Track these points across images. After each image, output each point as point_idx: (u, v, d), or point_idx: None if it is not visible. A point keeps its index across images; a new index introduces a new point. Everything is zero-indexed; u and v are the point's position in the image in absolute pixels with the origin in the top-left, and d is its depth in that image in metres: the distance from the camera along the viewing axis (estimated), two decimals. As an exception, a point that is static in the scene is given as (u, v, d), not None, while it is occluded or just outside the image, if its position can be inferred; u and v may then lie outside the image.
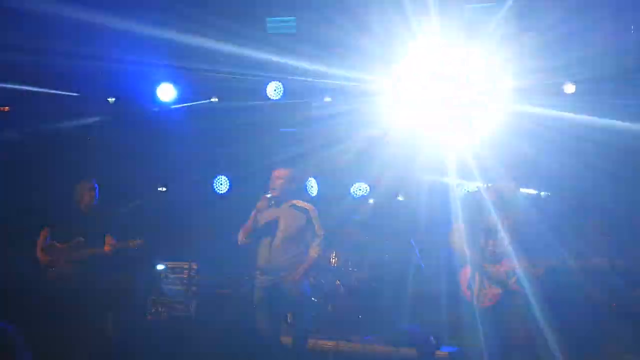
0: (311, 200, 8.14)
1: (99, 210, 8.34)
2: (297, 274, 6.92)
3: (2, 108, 10.00)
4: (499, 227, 6.64)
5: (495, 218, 6.62)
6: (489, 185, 6.89)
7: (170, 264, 9.93)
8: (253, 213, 7.14)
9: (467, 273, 6.64)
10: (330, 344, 8.64)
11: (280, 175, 7.18)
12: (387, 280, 9.50)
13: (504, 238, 6.62)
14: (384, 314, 9.36)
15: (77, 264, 8.00)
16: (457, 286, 6.96)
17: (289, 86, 9.81)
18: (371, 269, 9.85)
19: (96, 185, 8.38)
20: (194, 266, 9.71)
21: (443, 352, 8.23)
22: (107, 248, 7.93)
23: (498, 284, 6.46)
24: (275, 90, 9.56)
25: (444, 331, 8.73)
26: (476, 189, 6.91)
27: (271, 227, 7.10)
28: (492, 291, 6.48)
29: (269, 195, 7.07)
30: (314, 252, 7.06)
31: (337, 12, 8.29)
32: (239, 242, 7.25)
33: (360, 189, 11.06)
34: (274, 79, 9.63)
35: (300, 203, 7.26)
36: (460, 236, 6.74)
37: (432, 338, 8.45)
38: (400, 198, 11.05)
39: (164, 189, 11.69)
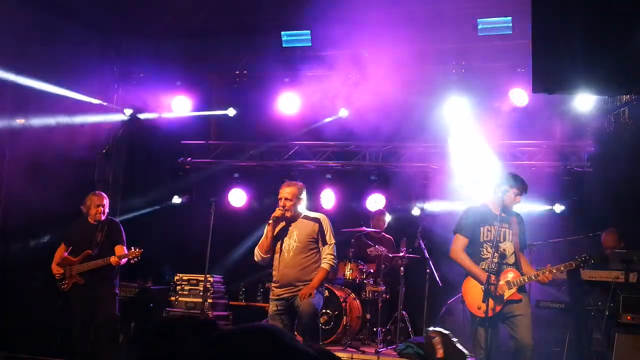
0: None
1: (108, 223, 8.40)
2: (311, 288, 6.88)
3: (19, 120, 10.12)
4: (502, 238, 6.61)
5: (496, 230, 6.59)
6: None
7: (186, 276, 9.97)
8: (266, 229, 7.10)
9: (468, 284, 6.62)
10: (345, 356, 8.63)
11: (287, 195, 7.05)
12: (403, 293, 9.45)
13: (507, 249, 6.59)
14: (398, 326, 9.33)
15: (87, 276, 8.07)
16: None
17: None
18: (386, 282, 9.82)
19: (106, 201, 8.44)
20: (210, 278, 9.74)
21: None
22: (113, 260, 8.00)
23: (498, 296, 6.43)
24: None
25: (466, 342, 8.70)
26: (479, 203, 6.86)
27: (285, 240, 7.03)
28: (493, 302, 6.45)
29: (279, 213, 7.02)
30: (326, 264, 6.92)
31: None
32: (257, 260, 7.15)
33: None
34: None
35: (311, 214, 7.19)
36: (461, 248, 6.72)
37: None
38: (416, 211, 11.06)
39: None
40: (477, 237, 6.64)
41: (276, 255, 7.03)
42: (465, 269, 6.68)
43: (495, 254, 6.53)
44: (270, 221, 6.99)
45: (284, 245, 6.98)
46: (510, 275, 6.53)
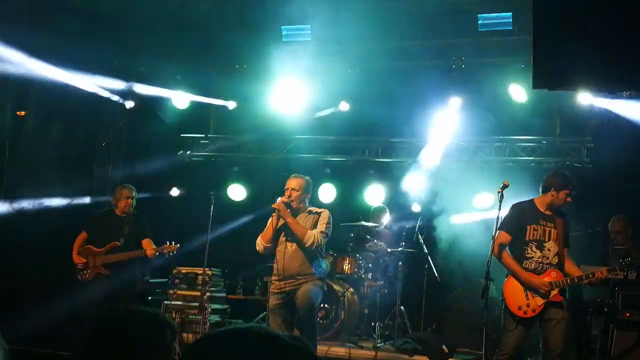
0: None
1: (134, 215, 8.49)
2: (285, 213, 6.82)
3: (19, 112, 10.12)
4: (547, 237, 6.55)
5: (542, 229, 6.54)
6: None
7: (184, 269, 9.97)
8: (271, 218, 7.09)
9: (509, 283, 6.54)
10: (343, 351, 8.64)
11: (294, 186, 7.07)
12: (401, 288, 9.45)
13: (551, 249, 6.53)
14: (396, 321, 9.33)
15: (113, 267, 8.16)
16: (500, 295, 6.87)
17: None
18: (385, 277, 9.82)
19: (135, 194, 8.52)
20: (209, 272, 9.73)
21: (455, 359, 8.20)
22: (150, 252, 8.06)
23: (540, 295, 6.38)
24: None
25: (457, 339, 8.71)
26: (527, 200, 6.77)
27: (287, 234, 7.02)
28: (535, 302, 6.40)
29: (284, 200, 7.01)
30: (310, 235, 6.86)
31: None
32: (258, 249, 7.13)
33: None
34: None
35: (315, 209, 7.21)
36: (503, 245, 6.63)
37: (444, 346, 8.42)
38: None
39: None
40: (523, 236, 6.55)
41: (278, 248, 7.03)
42: (505, 266, 6.60)
43: (540, 253, 6.50)
44: (275, 206, 6.96)
45: (287, 238, 6.97)
46: (552, 275, 6.49)
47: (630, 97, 9.10)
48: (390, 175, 11.36)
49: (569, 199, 6.63)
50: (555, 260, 6.56)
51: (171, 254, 8.15)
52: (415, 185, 11.00)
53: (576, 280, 6.48)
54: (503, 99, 10.17)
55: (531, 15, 4.29)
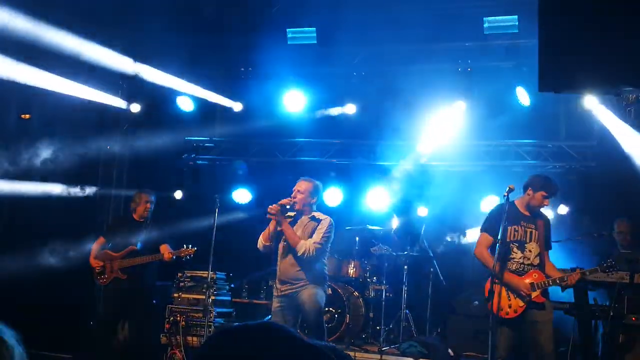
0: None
1: (152, 221, 8.60)
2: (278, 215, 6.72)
3: (24, 115, 10.15)
4: (528, 239, 6.57)
5: (523, 230, 6.56)
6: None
7: (189, 273, 9.96)
8: (273, 219, 6.90)
9: (489, 284, 6.56)
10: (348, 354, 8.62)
11: (300, 188, 7.02)
12: (406, 291, 9.43)
13: (532, 250, 6.55)
14: (402, 325, 9.31)
15: (130, 272, 8.25)
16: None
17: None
18: (390, 281, 9.80)
19: (154, 199, 8.56)
20: (213, 275, 9.72)
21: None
22: (167, 256, 8.14)
23: (522, 297, 6.39)
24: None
25: (463, 342, 8.68)
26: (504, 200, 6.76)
27: (286, 237, 6.89)
28: (517, 303, 6.41)
29: (284, 202, 6.90)
30: (301, 244, 6.73)
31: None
32: (259, 247, 7.03)
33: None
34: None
35: (319, 215, 7.07)
36: (485, 247, 6.66)
37: (450, 350, 8.39)
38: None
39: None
40: (503, 237, 6.52)
41: (280, 251, 6.99)
42: (488, 268, 6.59)
43: (521, 255, 6.50)
44: (278, 207, 6.85)
45: (286, 241, 6.91)
46: (534, 276, 6.49)
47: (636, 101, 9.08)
48: (395, 178, 11.33)
49: (545, 201, 6.67)
50: (537, 261, 6.60)
51: (188, 257, 8.24)
52: (420, 188, 11.01)
53: (557, 281, 6.50)
54: (509, 103, 10.15)
55: (537, 18, 4.28)
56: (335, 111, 11.20)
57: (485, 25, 9.52)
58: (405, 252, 9.60)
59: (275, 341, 1.58)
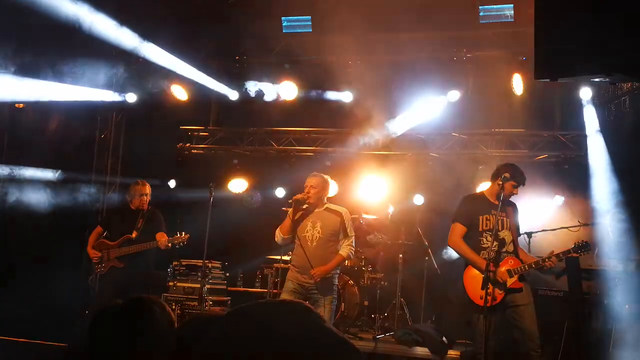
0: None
1: (149, 210, 8.59)
2: (326, 269, 6.98)
3: (17, 105, 10.12)
4: (500, 226, 6.62)
5: (496, 218, 6.60)
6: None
7: (185, 262, 9.97)
8: (290, 211, 7.24)
9: (468, 273, 6.62)
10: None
11: (313, 183, 7.22)
12: (401, 280, 9.45)
13: (506, 238, 6.61)
14: (396, 313, 9.34)
15: (127, 260, 8.26)
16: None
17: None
18: (385, 269, 9.82)
19: (149, 190, 8.62)
20: (209, 264, 9.73)
21: (455, 351, 8.20)
22: (162, 242, 8.19)
23: (500, 284, 6.45)
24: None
25: (457, 330, 8.71)
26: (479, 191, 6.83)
27: (308, 228, 7.16)
28: (496, 290, 6.46)
29: (301, 196, 7.14)
30: (344, 251, 7.14)
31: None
32: (277, 241, 7.32)
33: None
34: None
35: (334, 206, 7.36)
36: (459, 237, 6.71)
37: (444, 338, 8.42)
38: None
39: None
40: (476, 226, 6.65)
41: (298, 242, 7.19)
42: (464, 257, 6.70)
43: (495, 243, 6.54)
44: (290, 201, 7.16)
45: (307, 233, 7.15)
46: (510, 262, 6.56)
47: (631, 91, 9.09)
48: (391, 167, 11.34)
49: (515, 190, 6.72)
50: (511, 248, 6.68)
51: (182, 244, 8.28)
52: (416, 177, 11.03)
53: (533, 265, 6.58)
54: (504, 92, 10.16)
55: (533, 6, 4.28)
56: (330, 100, 11.18)
57: (481, 14, 9.52)
58: (400, 241, 9.62)
59: (303, 322, 1.56)
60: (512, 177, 6.65)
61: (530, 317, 6.47)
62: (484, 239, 6.60)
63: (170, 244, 8.19)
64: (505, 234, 6.65)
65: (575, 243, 6.67)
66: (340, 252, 7.13)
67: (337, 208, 7.32)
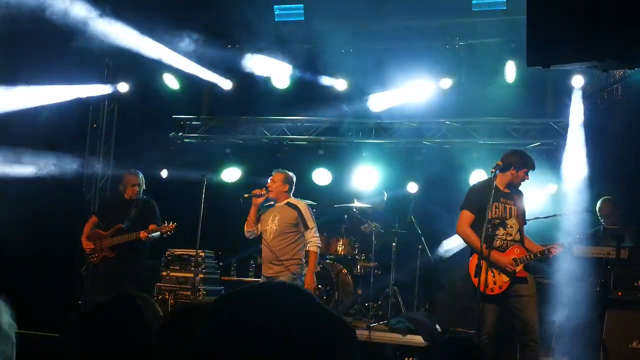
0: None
1: (143, 200, 8.62)
2: (310, 278, 7.44)
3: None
4: (508, 215, 6.62)
5: (503, 206, 6.61)
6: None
7: (177, 251, 9.96)
8: (252, 207, 7.65)
9: (474, 261, 6.60)
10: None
11: (274, 178, 7.69)
12: (395, 268, 9.46)
13: (513, 226, 6.61)
14: (390, 301, 9.35)
15: (118, 250, 8.30)
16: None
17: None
18: (378, 258, 9.82)
19: (141, 180, 8.62)
20: (202, 254, 9.72)
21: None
22: (142, 234, 8.16)
23: (505, 272, 6.46)
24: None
25: (450, 318, 8.73)
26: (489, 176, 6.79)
27: (268, 222, 7.58)
28: (501, 279, 6.47)
29: (259, 191, 7.60)
30: (312, 247, 7.51)
31: None
32: (246, 235, 7.78)
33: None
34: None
35: (293, 200, 7.72)
36: (467, 224, 6.69)
37: (437, 326, 8.45)
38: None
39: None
40: (484, 214, 6.52)
41: (263, 237, 7.62)
42: (471, 245, 6.68)
43: (503, 231, 6.54)
44: (246, 195, 7.65)
45: (267, 227, 7.57)
46: (516, 251, 6.56)
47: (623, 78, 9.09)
48: (383, 155, 11.35)
49: (527, 177, 6.77)
50: (518, 236, 6.69)
51: (169, 233, 8.26)
52: (409, 165, 11.04)
53: (539, 255, 6.64)
54: (496, 80, 10.16)
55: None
56: (323, 89, 11.16)
57: (474, 2, 9.50)
58: (393, 230, 9.63)
59: (293, 301, 1.56)
60: (524, 164, 6.69)
61: (533, 309, 6.50)
62: (492, 227, 6.58)
63: (150, 235, 8.17)
64: (512, 222, 6.65)
65: (577, 236, 6.84)
66: (310, 249, 7.52)
67: (296, 202, 7.72)
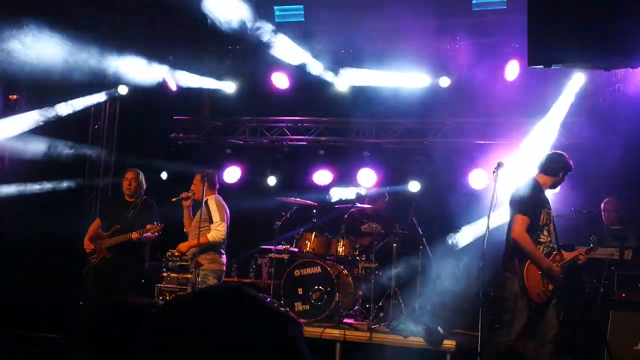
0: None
1: (143, 201, 8.62)
2: (186, 245, 8.20)
3: (11, 96, 10.06)
4: (550, 219, 6.46)
5: (547, 211, 6.45)
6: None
7: (177, 252, 9.91)
8: (185, 209, 8.40)
9: (531, 269, 6.36)
10: (337, 332, 8.62)
11: (195, 182, 8.35)
12: (396, 269, 9.42)
13: (552, 232, 6.46)
14: (391, 303, 9.32)
15: (115, 250, 8.32)
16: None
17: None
18: (379, 259, 9.78)
19: (135, 175, 8.60)
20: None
21: (450, 341, 8.18)
22: (134, 235, 8.18)
23: (555, 280, 6.31)
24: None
25: (452, 320, 8.70)
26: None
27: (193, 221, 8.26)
28: (549, 287, 6.33)
29: (189, 194, 8.26)
30: (210, 235, 8.03)
31: None
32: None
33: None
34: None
35: (207, 197, 8.21)
36: (525, 230, 6.36)
37: (439, 328, 8.41)
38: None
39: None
40: (537, 220, 6.39)
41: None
42: (528, 251, 6.33)
43: (547, 238, 6.44)
44: (174, 199, 8.28)
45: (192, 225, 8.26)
46: (557, 258, 6.43)
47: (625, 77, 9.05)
48: (384, 155, 11.32)
49: (564, 179, 6.63)
50: (554, 242, 6.53)
51: (157, 233, 8.22)
52: (411, 165, 11.02)
53: (572, 261, 6.48)
54: (495, 79, 10.14)
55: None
56: (323, 89, 11.14)
57: (474, 1, 9.46)
58: (395, 231, 9.59)
59: (235, 301, 1.54)
60: (569, 168, 6.56)
61: (558, 311, 6.43)
62: (542, 234, 6.41)
63: (141, 236, 8.16)
64: (552, 228, 6.50)
65: (594, 237, 6.73)
66: (201, 237, 7.95)
67: (208, 199, 8.21)
